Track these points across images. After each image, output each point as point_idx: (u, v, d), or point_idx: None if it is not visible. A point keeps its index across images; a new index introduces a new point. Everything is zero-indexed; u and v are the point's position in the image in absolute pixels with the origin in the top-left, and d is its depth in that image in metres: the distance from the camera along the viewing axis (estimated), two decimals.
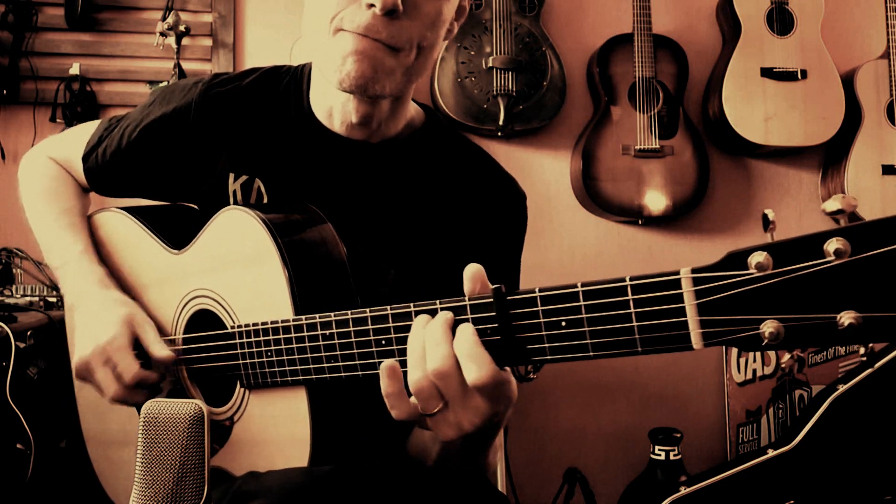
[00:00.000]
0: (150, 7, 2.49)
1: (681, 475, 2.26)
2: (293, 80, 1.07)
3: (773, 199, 2.72)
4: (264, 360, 0.89)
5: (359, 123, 1.00)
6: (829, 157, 2.65)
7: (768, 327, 0.55)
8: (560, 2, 2.65)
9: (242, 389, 0.96)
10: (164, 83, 2.46)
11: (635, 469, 2.44)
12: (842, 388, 2.01)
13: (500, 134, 2.44)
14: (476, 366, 0.67)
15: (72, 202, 1.18)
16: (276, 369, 0.88)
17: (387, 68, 0.90)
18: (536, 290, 0.66)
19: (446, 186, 1.05)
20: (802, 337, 0.54)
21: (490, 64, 2.40)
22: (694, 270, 0.58)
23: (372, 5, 0.86)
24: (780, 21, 2.51)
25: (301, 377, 0.86)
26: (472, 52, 2.42)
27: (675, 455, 2.30)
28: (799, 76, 2.48)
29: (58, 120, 2.42)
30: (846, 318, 0.52)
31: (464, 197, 1.05)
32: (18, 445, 1.50)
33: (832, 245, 0.52)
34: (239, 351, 0.93)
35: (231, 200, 1.05)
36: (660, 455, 2.31)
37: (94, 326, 1.01)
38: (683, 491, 1.99)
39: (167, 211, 1.18)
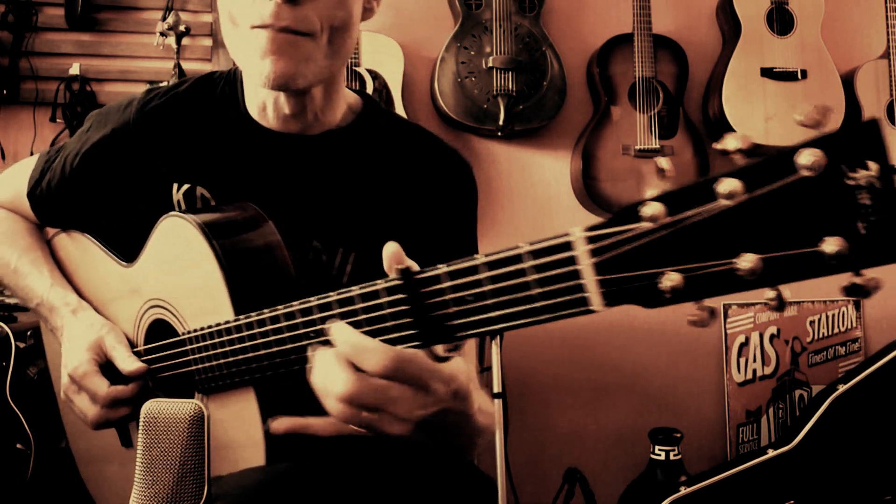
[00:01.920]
0: (150, 7, 2.49)
1: (681, 475, 2.26)
2: (227, 84, 1.07)
3: None
4: (213, 363, 0.89)
5: (293, 115, 1.00)
6: None
7: (668, 280, 0.52)
8: (560, 2, 2.65)
9: (200, 395, 0.96)
10: (164, 83, 2.46)
11: (635, 469, 2.44)
12: (842, 388, 2.02)
13: (500, 134, 2.44)
14: (369, 354, 0.67)
15: (28, 239, 1.17)
16: (224, 372, 0.88)
17: (302, 56, 0.90)
18: (442, 267, 0.65)
19: (391, 169, 1.05)
20: (703, 286, 0.51)
21: (490, 64, 2.40)
22: (587, 229, 0.56)
23: None
24: (780, 21, 2.51)
25: (246, 377, 0.86)
26: (472, 52, 2.42)
27: (675, 455, 2.30)
28: (799, 76, 2.48)
29: (58, 120, 2.42)
30: (745, 261, 0.49)
31: (410, 176, 1.05)
32: (18, 445, 1.50)
33: (724, 186, 0.49)
34: (191, 357, 0.93)
35: (176, 210, 1.04)
36: (660, 455, 2.31)
37: (67, 357, 1.04)
38: (683, 491, 1.99)
39: (119, 225, 1.17)
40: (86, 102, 2.41)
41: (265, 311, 0.81)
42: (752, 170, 0.49)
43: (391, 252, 0.69)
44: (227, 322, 0.86)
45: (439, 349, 0.70)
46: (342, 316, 0.72)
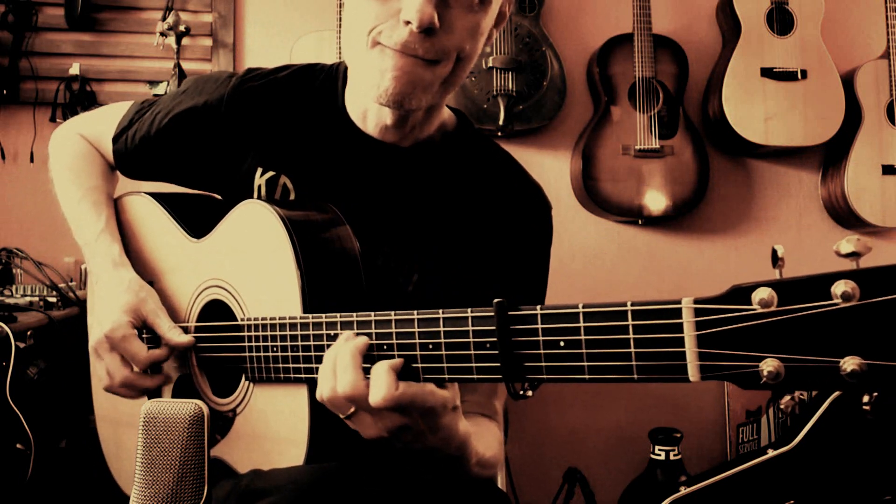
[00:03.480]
0: (150, 7, 2.49)
1: (681, 475, 2.26)
2: (328, 78, 1.07)
3: (773, 199, 2.72)
4: (269, 354, 0.90)
5: (393, 127, 1.01)
6: (829, 157, 2.65)
7: (768, 366, 0.54)
8: (560, 2, 2.65)
9: (247, 382, 0.96)
10: (165, 83, 2.46)
11: (635, 469, 2.44)
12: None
13: (500, 134, 2.44)
14: (376, 389, 0.73)
15: (97, 181, 1.19)
16: (280, 365, 0.89)
17: (425, 83, 0.90)
18: (538, 308, 0.66)
19: (474, 192, 1.05)
20: (803, 379, 0.53)
21: (490, 64, 2.40)
22: (696, 301, 0.57)
23: (408, 22, 0.86)
24: (780, 21, 2.51)
25: (304, 375, 0.86)
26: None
27: (675, 455, 2.30)
28: (799, 76, 2.48)
29: (58, 120, 2.42)
30: (849, 363, 0.51)
31: (490, 204, 1.05)
32: (18, 445, 1.50)
33: (840, 287, 0.51)
34: (246, 344, 0.93)
35: (255, 195, 1.05)
36: (660, 455, 2.31)
37: (101, 312, 1.04)
38: (683, 491, 1.99)
39: (191, 199, 1.19)
40: (86, 102, 2.42)
41: (336, 315, 0.81)
42: (871, 275, 0.51)
43: None
44: (297, 318, 0.86)
45: (518, 386, 0.71)
46: (420, 336, 0.74)
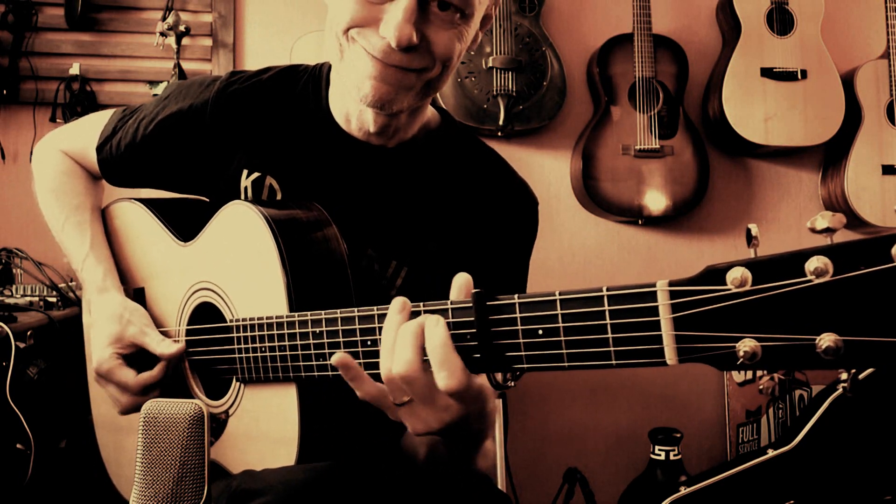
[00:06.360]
0: (150, 7, 2.49)
1: (681, 475, 2.26)
2: (311, 80, 1.07)
3: (773, 199, 2.72)
4: (258, 355, 0.90)
5: (376, 133, 1.01)
6: (829, 157, 2.65)
7: (745, 346, 0.53)
8: (560, 2, 2.65)
9: (238, 383, 0.96)
10: (165, 83, 2.46)
11: (635, 469, 2.44)
12: (842, 388, 2.01)
13: (500, 134, 2.45)
14: (447, 373, 0.68)
15: (81, 198, 1.19)
16: (269, 365, 0.89)
17: (406, 86, 0.90)
18: (516, 297, 0.66)
19: (459, 189, 1.05)
20: (780, 358, 0.52)
21: (490, 64, 2.40)
22: (671, 283, 0.57)
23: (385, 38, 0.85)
24: (780, 21, 2.51)
25: (291, 374, 0.86)
26: (472, 52, 2.42)
27: (675, 455, 2.30)
28: (799, 76, 2.48)
29: (58, 120, 2.42)
30: (825, 340, 0.50)
31: (475, 200, 1.05)
32: (18, 445, 1.50)
33: (813, 264, 0.50)
34: (235, 345, 0.94)
35: (242, 196, 1.05)
36: (660, 455, 2.31)
37: (93, 344, 1.07)
38: (683, 491, 1.99)
39: (179, 203, 1.19)
40: (86, 102, 2.42)
41: (321, 312, 0.81)
42: (843, 250, 0.50)
43: (463, 282, 0.71)
44: (282, 317, 0.86)
45: (499, 376, 0.71)
46: None
